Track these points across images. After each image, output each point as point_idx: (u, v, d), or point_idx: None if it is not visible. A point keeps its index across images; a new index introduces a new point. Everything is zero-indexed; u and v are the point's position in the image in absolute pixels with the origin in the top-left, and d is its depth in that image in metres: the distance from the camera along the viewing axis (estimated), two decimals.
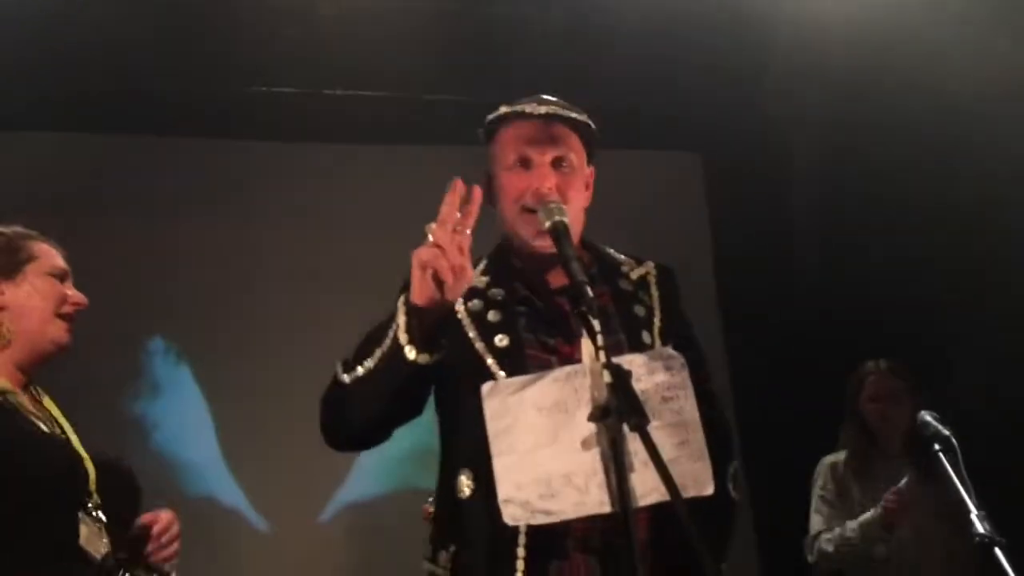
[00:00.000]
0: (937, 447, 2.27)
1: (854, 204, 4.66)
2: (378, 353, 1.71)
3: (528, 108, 1.91)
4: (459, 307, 1.84)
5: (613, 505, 1.55)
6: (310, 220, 4.89)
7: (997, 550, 1.90)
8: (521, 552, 1.70)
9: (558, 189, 1.84)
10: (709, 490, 1.66)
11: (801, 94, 4.58)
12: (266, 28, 4.38)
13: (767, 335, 4.90)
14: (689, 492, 1.55)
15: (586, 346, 1.69)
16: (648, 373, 1.64)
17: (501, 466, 1.61)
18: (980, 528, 1.95)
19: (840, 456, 3.51)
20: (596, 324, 1.55)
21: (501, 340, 1.80)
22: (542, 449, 1.61)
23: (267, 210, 4.85)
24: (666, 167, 5.34)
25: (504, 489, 1.60)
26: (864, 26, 4.11)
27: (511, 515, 1.59)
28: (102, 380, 4.44)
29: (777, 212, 5.07)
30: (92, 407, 4.17)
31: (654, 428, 1.52)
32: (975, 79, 3.81)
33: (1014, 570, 1.87)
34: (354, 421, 1.79)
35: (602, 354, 1.54)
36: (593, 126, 1.94)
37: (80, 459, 2.04)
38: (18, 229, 2.17)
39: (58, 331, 2.09)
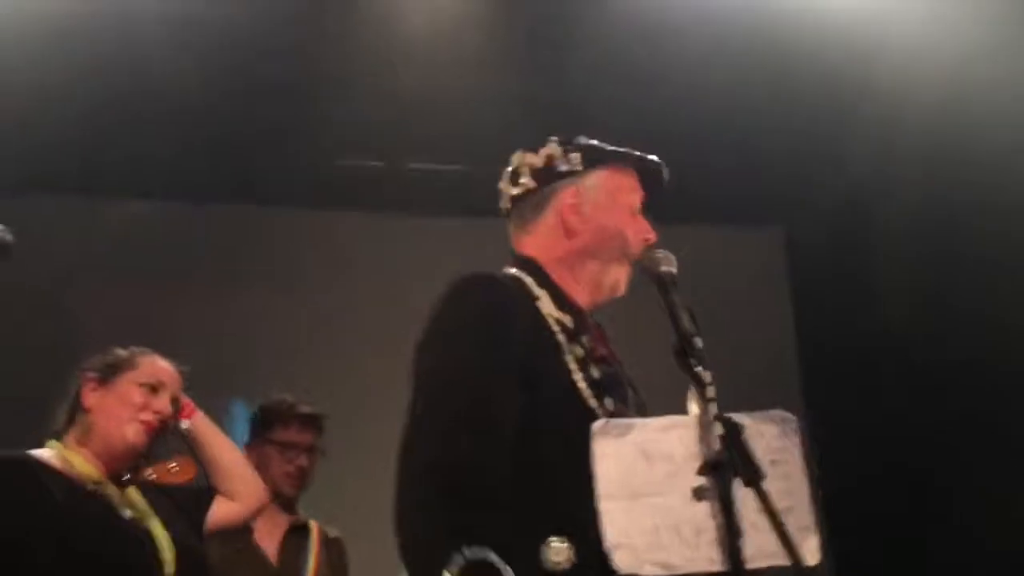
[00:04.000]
0: None
1: (950, 280, 4.52)
2: None
3: (651, 163, 1.89)
4: (564, 347, 1.70)
5: (723, 564, 1.49)
6: (390, 290, 4.94)
7: None
8: None
9: None
10: (812, 561, 1.55)
11: (891, 164, 4.51)
12: (353, 104, 4.50)
13: (857, 426, 4.72)
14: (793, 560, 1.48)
15: (693, 398, 1.65)
16: (758, 434, 1.59)
17: (607, 509, 1.52)
18: None
19: None
20: (707, 376, 1.52)
21: (608, 402, 1.69)
22: (650, 498, 1.54)
23: (348, 279, 4.92)
24: (747, 243, 5.30)
25: (612, 534, 1.51)
26: (958, 92, 4.04)
27: (622, 561, 1.50)
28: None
29: (866, 292, 4.91)
30: None
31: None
32: None
33: None
34: None
35: (712, 406, 1.51)
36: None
37: (154, 544, 2.17)
38: (136, 349, 2.36)
39: (134, 433, 2.23)
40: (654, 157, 1.88)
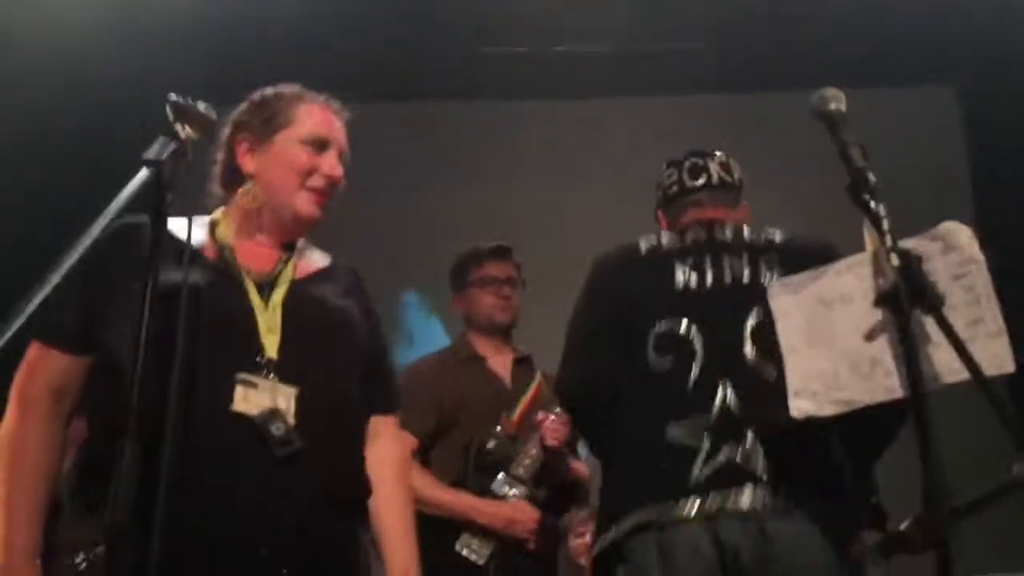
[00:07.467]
0: None
1: None
2: None
3: None
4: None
5: (901, 389, 1.53)
6: (553, 176, 5.01)
7: None
8: None
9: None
10: (1009, 368, 1.62)
11: None
12: None
13: None
14: (988, 371, 1.49)
15: (869, 234, 1.66)
16: (939, 252, 1.61)
17: (790, 362, 1.64)
18: None
19: None
20: (882, 209, 1.52)
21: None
22: (828, 342, 1.61)
23: (514, 168, 5.02)
24: (919, 104, 5.12)
25: (794, 382, 1.62)
26: None
27: (799, 408, 1.62)
28: None
29: None
30: None
31: (945, 309, 1.48)
32: None
33: None
34: None
35: (888, 238, 1.51)
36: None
37: (250, 316, 1.81)
38: (285, 89, 2.00)
39: (303, 203, 1.94)
40: None
